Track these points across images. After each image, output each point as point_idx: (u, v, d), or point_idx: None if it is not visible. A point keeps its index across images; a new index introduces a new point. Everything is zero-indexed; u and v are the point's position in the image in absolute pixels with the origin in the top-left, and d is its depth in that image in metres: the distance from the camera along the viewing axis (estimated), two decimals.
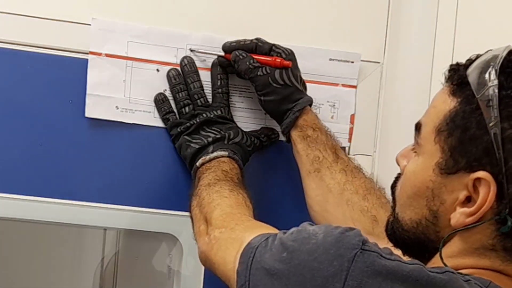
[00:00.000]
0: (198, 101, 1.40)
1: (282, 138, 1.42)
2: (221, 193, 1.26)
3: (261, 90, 1.37)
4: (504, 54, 0.99)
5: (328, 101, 1.49)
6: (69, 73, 1.38)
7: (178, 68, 1.42)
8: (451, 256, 1.00)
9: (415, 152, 1.05)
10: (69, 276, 2.10)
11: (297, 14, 1.49)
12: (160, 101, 1.41)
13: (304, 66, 1.42)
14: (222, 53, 1.41)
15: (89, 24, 1.38)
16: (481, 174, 0.96)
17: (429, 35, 1.47)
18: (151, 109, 1.41)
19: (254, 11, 1.47)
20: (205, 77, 1.42)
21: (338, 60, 1.49)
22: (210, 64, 1.42)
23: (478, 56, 1.02)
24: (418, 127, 1.05)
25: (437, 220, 1.01)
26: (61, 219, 1.41)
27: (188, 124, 1.39)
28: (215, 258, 1.13)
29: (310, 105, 1.39)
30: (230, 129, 1.40)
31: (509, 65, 0.98)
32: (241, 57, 1.37)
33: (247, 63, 1.37)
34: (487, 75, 0.98)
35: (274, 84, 1.36)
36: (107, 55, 1.39)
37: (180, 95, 1.41)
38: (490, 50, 1.01)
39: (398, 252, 1.03)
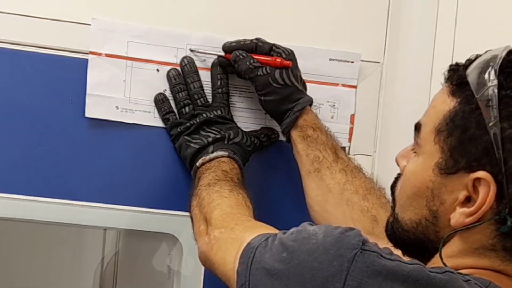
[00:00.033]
0: (198, 101, 1.40)
1: (282, 138, 1.42)
2: (221, 193, 1.26)
3: (261, 90, 1.37)
4: (504, 54, 0.99)
5: (328, 101, 1.49)
6: (69, 73, 1.38)
7: (178, 68, 1.42)
8: (451, 256, 1.00)
9: (415, 152, 1.05)
10: (69, 276, 2.10)
11: (297, 14, 1.49)
12: (160, 101, 1.41)
13: (304, 66, 1.42)
14: (222, 53, 1.41)
15: (89, 24, 1.38)
16: (480, 174, 0.96)
17: (429, 35, 1.47)
18: (151, 109, 1.41)
19: (254, 11, 1.47)
20: (205, 77, 1.42)
21: (338, 60, 1.49)
22: (210, 64, 1.42)
23: (477, 56, 1.02)
24: (417, 127, 1.05)
25: (437, 220, 1.01)
26: (61, 219, 1.41)
27: (188, 124, 1.39)
28: (215, 258, 1.13)
29: (310, 105, 1.39)
30: (230, 129, 1.40)
31: (508, 65, 0.98)
32: (241, 57, 1.37)
33: (247, 63, 1.37)
34: (486, 75, 0.98)
35: (274, 84, 1.36)
36: (107, 55, 1.39)
37: (180, 95, 1.40)
38: (490, 50, 1.01)
39: (398, 252, 1.03)
